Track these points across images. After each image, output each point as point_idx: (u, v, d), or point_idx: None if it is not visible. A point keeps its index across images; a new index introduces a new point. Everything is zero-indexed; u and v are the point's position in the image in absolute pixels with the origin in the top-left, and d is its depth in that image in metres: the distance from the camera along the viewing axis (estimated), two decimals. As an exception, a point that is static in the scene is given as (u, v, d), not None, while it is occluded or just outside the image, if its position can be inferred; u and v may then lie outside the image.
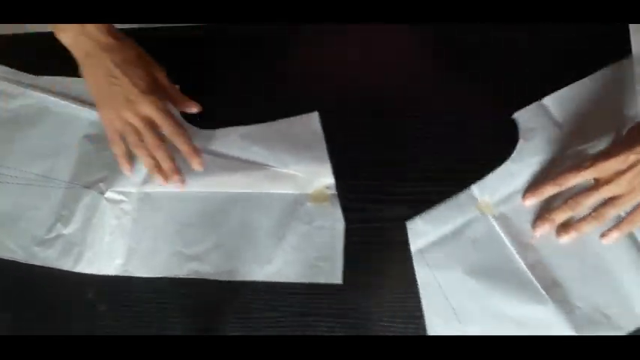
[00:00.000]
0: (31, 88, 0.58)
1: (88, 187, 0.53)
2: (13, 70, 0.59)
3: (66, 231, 0.52)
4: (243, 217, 0.51)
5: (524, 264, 0.47)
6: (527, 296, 0.46)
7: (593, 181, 0.46)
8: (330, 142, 0.53)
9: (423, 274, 0.49)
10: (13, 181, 0.55)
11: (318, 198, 0.51)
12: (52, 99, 0.57)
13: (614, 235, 0.45)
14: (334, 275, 0.49)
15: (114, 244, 0.51)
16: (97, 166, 0.54)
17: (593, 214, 0.45)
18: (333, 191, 0.51)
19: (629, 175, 0.42)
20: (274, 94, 0.56)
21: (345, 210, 0.51)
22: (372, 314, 0.49)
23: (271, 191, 0.52)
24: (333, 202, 0.51)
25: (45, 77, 0.58)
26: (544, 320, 0.46)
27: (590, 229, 0.46)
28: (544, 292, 0.46)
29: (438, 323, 0.47)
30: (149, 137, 0.47)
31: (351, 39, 0.57)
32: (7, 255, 0.52)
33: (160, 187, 0.52)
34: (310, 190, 0.52)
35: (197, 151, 0.49)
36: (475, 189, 0.50)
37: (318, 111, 0.55)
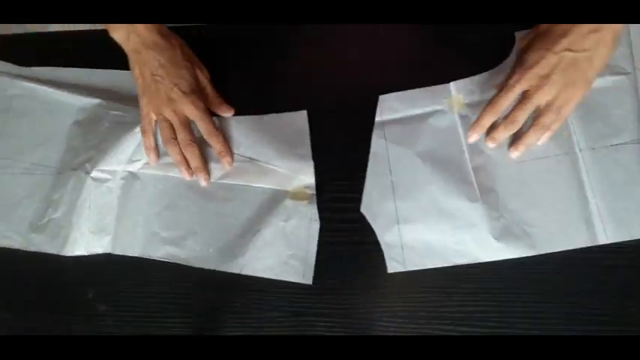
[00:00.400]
0: (20, 79, 0.58)
1: (75, 169, 0.54)
2: (2, 62, 0.59)
3: (56, 215, 0.53)
4: (222, 206, 0.52)
5: (471, 165, 0.50)
6: (463, 193, 0.49)
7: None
8: (330, 142, 0.54)
9: (377, 145, 0.52)
10: (7, 171, 0.55)
11: (297, 195, 0.51)
12: (41, 88, 0.57)
13: (547, 134, 0.47)
14: (305, 276, 0.49)
15: (101, 224, 0.52)
16: (84, 148, 0.55)
17: (534, 126, 0.46)
18: (313, 191, 0.52)
19: (554, 77, 0.42)
20: (274, 94, 0.56)
21: (346, 210, 0.51)
22: (372, 314, 0.49)
23: (252, 184, 0.52)
24: (311, 201, 0.51)
25: (33, 68, 0.59)
26: (470, 219, 0.49)
27: (536, 138, 0.47)
28: (479, 194, 0.49)
29: (374, 196, 0.50)
30: (183, 135, 0.50)
31: (351, 39, 0.57)
32: (5, 243, 0.53)
33: (145, 167, 0.53)
34: (290, 188, 0.52)
35: (228, 151, 0.51)
36: (453, 85, 0.52)
37: (318, 111, 0.55)
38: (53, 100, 0.57)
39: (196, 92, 0.50)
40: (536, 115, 0.46)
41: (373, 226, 0.50)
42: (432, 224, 0.49)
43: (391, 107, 0.53)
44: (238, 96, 0.56)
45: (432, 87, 0.53)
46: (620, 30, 0.42)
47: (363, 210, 0.50)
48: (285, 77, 0.57)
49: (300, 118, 0.54)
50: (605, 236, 0.48)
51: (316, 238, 0.50)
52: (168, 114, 0.49)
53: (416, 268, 0.49)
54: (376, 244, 0.50)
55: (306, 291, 0.50)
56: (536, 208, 0.49)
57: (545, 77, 0.43)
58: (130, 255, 0.51)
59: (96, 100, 0.56)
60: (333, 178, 0.52)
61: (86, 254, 0.52)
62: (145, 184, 0.53)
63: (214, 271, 0.51)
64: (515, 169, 0.50)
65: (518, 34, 0.53)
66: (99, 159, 0.53)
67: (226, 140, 0.52)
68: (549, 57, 0.42)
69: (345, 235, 0.51)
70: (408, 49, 0.57)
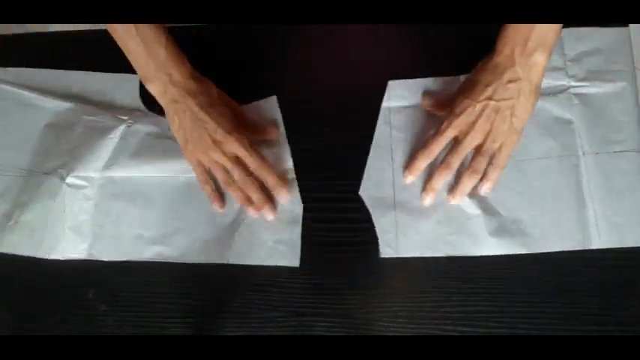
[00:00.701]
0: None
1: (48, 173, 0.54)
2: None
3: (25, 217, 0.53)
4: (203, 201, 0.52)
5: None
6: None
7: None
8: (330, 142, 0.54)
9: (381, 130, 0.52)
10: None
11: None
12: (14, 89, 0.57)
13: (488, 184, 0.48)
14: (293, 259, 0.50)
15: (77, 229, 0.52)
16: (57, 153, 0.55)
17: (468, 170, 0.47)
18: (293, 175, 0.52)
19: (479, 123, 0.45)
20: (274, 94, 0.56)
21: (346, 210, 0.51)
22: (372, 314, 0.49)
23: None
24: (292, 185, 0.51)
25: (11, 69, 0.59)
26: (466, 212, 0.49)
27: (472, 184, 0.48)
28: (477, 189, 0.49)
29: (373, 180, 0.51)
30: (237, 173, 0.49)
31: (352, 39, 0.57)
32: None
33: (122, 171, 0.53)
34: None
35: (283, 183, 0.50)
36: (463, 78, 0.51)
37: (318, 112, 0.55)
38: (25, 102, 0.57)
39: (238, 129, 0.49)
40: (470, 161, 0.48)
41: (370, 209, 0.50)
42: (428, 214, 0.50)
43: (399, 95, 0.53)
44: (238, 96, 0.56)
45: (442, 78, 0.53)
46: (539, 82, 0.45)
47: (361, 193, 0.51)
48: (285, 77, 0.57)
49: (271, 105, 0.54)
50: (600, 241, 0.48)
51: (300, 221, 0.51)
52: (218, 157, 0.49)
53: (408, 255, 0.49)
54: (376, 244, 0.50)
55: (306, 291, 0.50)
56: (534, 207, 0.49)
57: (472, 124, 0.46)
58: (115, 260, 0.51)
59: (68, 104, 0.56)
60: (334, 178, 0.52)
61: (62, 259, 0.52)
62: (123, 189, 0.53)
63: (215, 271, 0.51)
64: (517, 168, 0.50)
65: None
66: (73, 165, 0.53)
67: (279, 172, 0.51)
68: (475, 105, 0.45)
69: (346, 236, 0.51)
70: (409, 48, 0.57)
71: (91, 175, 0.53)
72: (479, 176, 0.47)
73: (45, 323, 0.51)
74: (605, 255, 0.48)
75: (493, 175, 0.47)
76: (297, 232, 0.50)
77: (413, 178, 0.50)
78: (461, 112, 0.46)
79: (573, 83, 0.51)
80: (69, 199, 0.53)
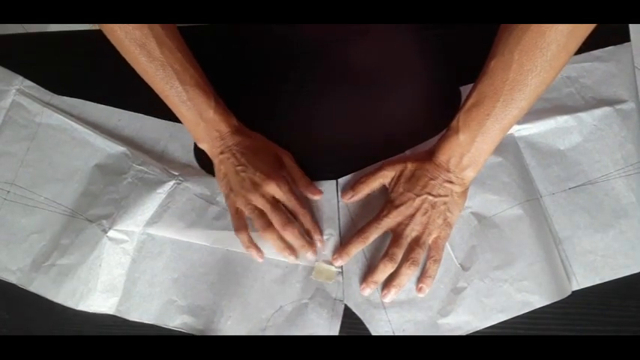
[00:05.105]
0: (50, 108, 0.57)
1: (91, 220, 0.52)
2: (36, 86, 0.58)
3: (61, 261, 0.51)
4: (244, 277, 0.50)
5: None
6: (443, 265, 0.48)
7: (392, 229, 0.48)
8: (333, 152, 0.54)
9: (346, 229, 0.50)
10: (22, 201, 0.54)
11: (322, 274, 0.49)
12: (69, 122, 0.56)
13: (428, 282, 0.47)
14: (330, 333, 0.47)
15: (110, 283, 0.51)
16: (103, 200, 0.53)
17: (407, 262, 0.47)
18: (339, 269, 0.49)
19: (418, 217, 0.47)
20: (276, 94, 0.56)
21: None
22: (372, 314, 0.49)
23: (278, 257, 0.50)
24: (337, 280, 0.49)
25: (65, 98, 0.58)
26: (456, 287, 0.47)
27: (410, 278, 0.47)
28: (460, 262, 0.48)
29: (354, 284, 0.49)
30: (277, 217, 0.49)
31: (352, 40, 0.57)
32: (4, 276, 0.52)
33: (164, 230, 0.52)
34: (316, 264, 0.50)
35: (317, 229, 0.50)
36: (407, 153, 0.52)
37: (316, 111, 0.55)
38: (79, 137, 0.56)
39: (279, 173, 0.50)
40: (406, 253, 0.47)
41: (361, 317, 0.48)
42: (418, 302, 0.48)
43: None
44: (238, 96, 0.56)
45: (385, 162, 0.51)
46: (468, 186, 0.48)
47: (347, 302, 0.48)
48: (287, 77, 0.57)
49: (329, 189, 0.52)
50: (577, 283, 0.47)
51: (340, 319, 0.48)
52: (257, 201, 0.49)
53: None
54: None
55: (306, 291, 0.50)
56: (521, 259, 0.48)
57: (410, 216, 0.48)
58: (144, 322, 0.50)
59: (121, 148, 0.55)
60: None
61: (90, 312, 0.50)
62: (162, 248, 0.51)
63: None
64: (490, 224, 0.49)
65: (463, 89, 0.54)
66: (117, 218, 0.52)
67: (315, 219, 0.51)
68: (414, 199, 0.48)
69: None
70: (409, 50, 0.57)
71: (132, 229, 0.52)
72: (418, 267, 0.47)
73: (45, 323, 0.51)
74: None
75: (434, 268, 0.47)
76: (335, 329, 0.48)
77: (342, 262, 0.49)
78: (400, 204, 0.48)
79: (516, 126, 0.51)
80: (107, 253, 0.51)
